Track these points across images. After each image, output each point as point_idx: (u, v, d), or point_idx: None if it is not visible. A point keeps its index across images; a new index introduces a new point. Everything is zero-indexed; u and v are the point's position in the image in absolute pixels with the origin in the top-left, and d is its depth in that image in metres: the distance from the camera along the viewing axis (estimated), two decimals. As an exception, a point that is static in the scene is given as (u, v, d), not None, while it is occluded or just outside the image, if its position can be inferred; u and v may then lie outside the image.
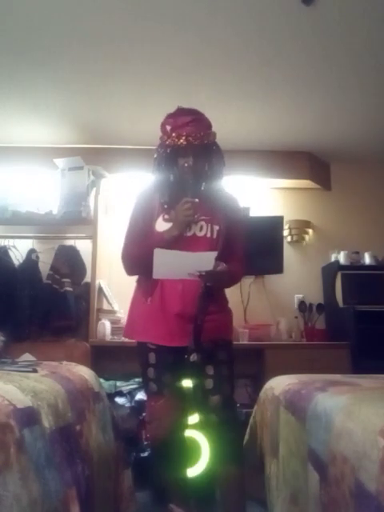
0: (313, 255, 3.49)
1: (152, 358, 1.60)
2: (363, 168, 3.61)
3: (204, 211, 1.63)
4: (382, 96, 2.72)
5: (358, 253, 3.21)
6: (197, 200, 1.55)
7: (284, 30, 2.16)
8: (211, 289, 1.58)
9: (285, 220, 3.34)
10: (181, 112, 1.64)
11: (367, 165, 3.60)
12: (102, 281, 3.03)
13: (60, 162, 3.11)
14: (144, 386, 1.67)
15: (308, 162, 3.46)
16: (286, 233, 3.43)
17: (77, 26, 2.16)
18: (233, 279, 1.70)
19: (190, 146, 1.59)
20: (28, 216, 3.05)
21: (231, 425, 1.55)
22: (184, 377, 1.61)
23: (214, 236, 1.63)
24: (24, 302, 2.86)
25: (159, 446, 1.61)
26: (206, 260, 1.48)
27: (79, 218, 3.00)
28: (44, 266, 3.05)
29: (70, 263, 3.02)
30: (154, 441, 1.62)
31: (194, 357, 1.51)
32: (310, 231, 3.51)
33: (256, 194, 3.45)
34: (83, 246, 3.11)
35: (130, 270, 1.72)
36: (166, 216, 1.62)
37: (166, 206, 1.63)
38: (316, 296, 3.35)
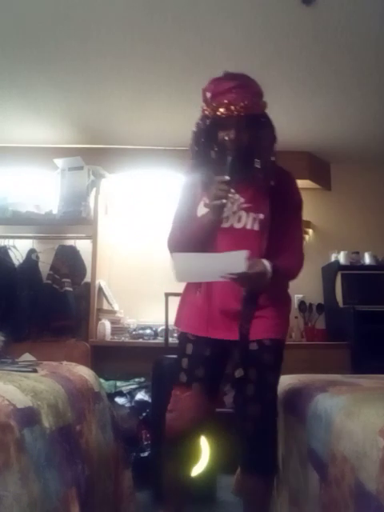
0: (313, 255, 3.48)
1: (189, 348, 1.45)
2: (363, 168, 3.61)
3: (246, 198, 1.42)
4: (382, 96, 2.72)
5: (358, 253, 3.21)
6: (228, 177, 1.32)
7: (284, 30, 2.16)
8: (254, 293, 1.40)
9: (285, 220, 3.34)
10: (225, 76, 1.43)
11: (367, 165, 3.60)
12: (101, 281, 3.03)
13: (60, 162, 3.11)
14: (175, 374, 1.48)
15: (308, 162, 3.46)
16: (285, 233, 3.43)
17: (77, 26, 2.15)
18: (285, 276, 1.45)
19: (232, 117, 1.35)
20: (28, 216, 3.05)
21: (269, 437, 1.37)
22: (219, 377, 1.49)
23: (257, 227, 1.42)
24: (24, 302, 2.87)
25: (172, 439, 1.43)
26: (235, 260, 1.26)
27: (79, 218, 3.01)
28: (44, 266, 3.05)
29: (69, 263, 3.02)
30: (169, 432, 1.42)
31: (239, 372, 1.37)
32: (310, 231, 3.51)
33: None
34: (83, 246, 3.11)
35: None
36: (207, 200, 1.42)
37: (204, 186, 1.43)
38: (316, 296, 3.35)
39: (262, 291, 1.41)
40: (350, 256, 3.19)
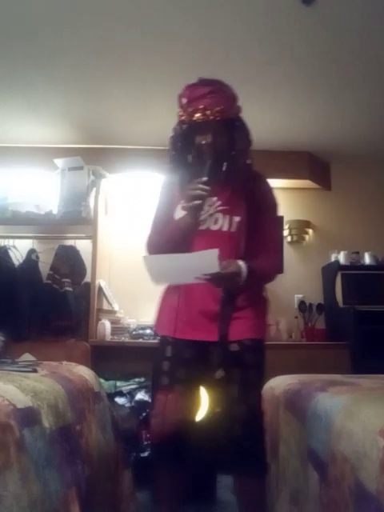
0: (313, 255, 3.49)
1: (169, 351, 1.46)
2: (363, 168, 3.61)
3: (224, 199, 1.45)
4: (382, 96, 2.72)
5: (358, 253, 3.21)
6: (205, 178, 1.35)
7: (284, 29, 2.16)
8: (231, 294, 1.41)
9: (285, 220, 3.34)
10: (200, 82, 1.45)
11: (367, 165, 3.60)
12: (102, 281, 3.03)
13: (60, 162, 3.11)
14: (155, 382, 1.50)
15: (308, 162, 3.46)
16: (285, 233, 3.43)
17: (77, 26, 2.15)
18: (261, 277, 1.46)
19: (208, 122, 1.38)
20: (28, 216, 3.04)
21: (257, 438, 1.36)
22: (201, 379, 1.47)
23: (233, 229, 1.44)
24: (24, 302, 2.86)
25: (159, 444, 1.44)
26: (207, 260, 1.27)
27: (79, 218, 3.00)
28: (44, 266, 3.05)
29: (70, 263, 3.02)
30: (155, 438, 1.44)
31: (219, 374, 1.37)
32: (310, 231, 3.51)
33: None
34: (83, 246, 3.11)
35: None
36: (184, 203, 1.43)
37: (180, 189, 1.46)
38: (316, 296, 3.35)
39: (238, 292, 1.43)
40: (350, 256, 3.19)
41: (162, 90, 2.68)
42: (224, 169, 1.44)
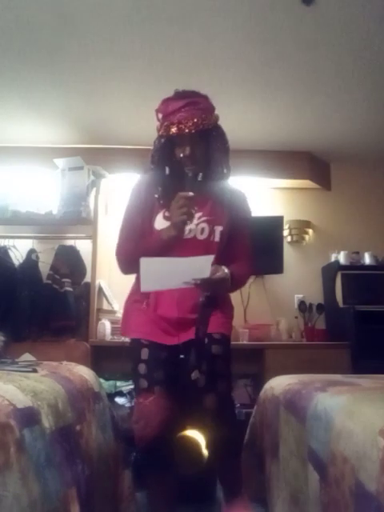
0: (313, 255, 3.49)
1: (144, 353, 1.47)
2: (363, 168, 3.61)
3: (206, 210, 1.50)
4: (382, 96, 2.72)
5: (358, 253, 3.21)
6: (191, 194, 1.37)
7: (284, 29, 2.16)
8: (212, 297, 1.45)
9: (285, 220, 3.34)
10: (174, 96, 1.50)
11: (367, 165, 3.60)
12: (102, 281, 3.03)
13: (60, 162, 3.11)
14: (134, 385, 1.52)
15: (308, 162, 3.46)
16: (286, 233, 3.43)
17: (77, 26, 2.15)
18: (237, 282, 1.54)
19: (184, 135, 1.43)
20: (28, 216, 3.05)
21: (228, 426, 1.44)
22: (177, 378, 1.49)
23: (217, 239, 1.50)
24: (24, 302, 2.86)
25: (145, 449, 1.45)
26: (201, 265, 1.32)
27: (79, 218, 3.00)
28: (44, 266, 3.05)
29: (69, 263, 3.02)
30: (140, 442, 1.44)
31: (195, 374, 1.39)
32: (310, 231, 3.51)
33: (256, 193, 3.45)
34: (83, 246, 3.11)
35: (125, 269, 1.58)
36: (167, 213, 1.46)
37: (161, 202, 1.48)
38: (316, 296, 3.35)
39: (221, 294, 1.52)
40: (350, 256, 3.19)
41: (162, 91, 2.65)
42: (200, 179, 1.47)
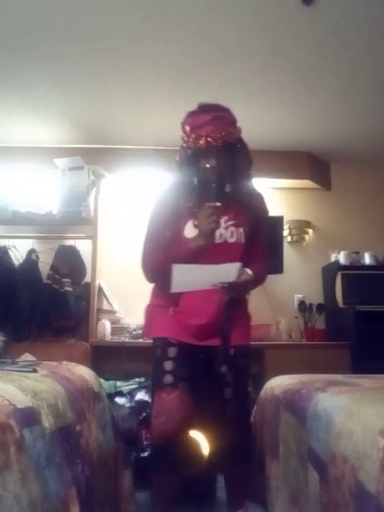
0: (313, 255, 3.48)
1: (172, 351, 1.53)
2: (363, 168, 3.61)
3: (231, 214, 1.57)
4: (382, 96, 2.72)
5: (358, 253, 3.21)
6: (219, 204, 1.45)
7: (284, 29, 2.16)
8: (235, 299, 1.56)
9: (285, 220, 3.34)
10: (201, 110, 1.55)
11: (367, 165, 3.60)
12: (101, 281, 3.03)
13: (60, 162, 3.11)
14: (156, 380, 1.54)
15: (308, 162, 3.45)
16: (285, 233, 3.43)
17: (77, 26, 2.15)
18: (257, 281, 1.63)
19: (211, 147, 1.50)
20: (28, 216, 3.04)
21: (245, 433, 1.57)
22: (200, 380, 1.57)
23: (243, 240, 1.58)
24: (24, 302, 2.86)
25: (162, 444, 1.47)
26: (229, 271, 1.43)
27: (79, 218, 3.00)
28: (44, 266, 3.05)
29: (69, 263, 3.02)
30: (158, 437, 1.47)
31: (224, 368, 1.51)
32: (310, 231, 3.51)
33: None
34: (83, 246, 3.11)
35: (152, 278, 1.64)
36: (196, 222, 1.53)
37: (196, 210, 1.53)
38: (316, 296, 3.35)
39: (242, 296, 1.64)
40: (350, 256, 3.18)
41: (162, 91, 2.68)
42: (227, 190, 1.54)
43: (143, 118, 2.97)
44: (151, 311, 1.66)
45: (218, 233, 1.53)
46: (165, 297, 1.58)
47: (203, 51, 2.33)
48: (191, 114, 1.55)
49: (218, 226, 1.49)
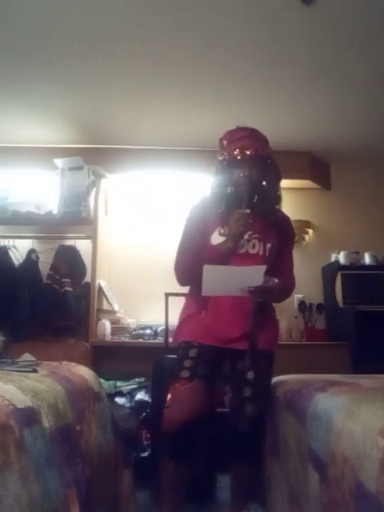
0: (313, 255, 3.48)
1: (193, 352, 1.59)
2: (363, 168, 3.61)
3: (257, 228, 1.65)
4: (382, 96, 2.72)
5: (357, 253, 3.21)
6: (248, 211, 1.57)
7: (284, 29, 2.16)
8: (263, 305, 1.63)
9: (285, 220, 3.34)
10: (238, 128, 1.70)
11: (367, 165, 3.60)
12: (102, 281, 3.03)
13: (60, 162, 3.11)
14: (175, 376, 1.58)
15: (308, 162, 3.46)
16: (285, 233, 3.43)
17: (77, 26, 2.16)
18: (285, 293, 1.74)
19: (246, 158, 1.63)
20: (28, 216, 3.05)
21: (261, 435, 1.58)
22: (217, 379, 1.63)
23: (267, 254, 1.66)
24: (24, 302, 2.87)
25: (171, 434, 1.48)
26: (255, 274, 1.49)
27: (79, 218, 3.01)
28: (44, 266, 3.05)
29: (70, 263, 3.02)
30: (169, 426, 1.48)
31: (250, 375, 1.56)
32: (310, 231, 3.51)
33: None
34: (83, 246, 3.11)
35: (184, 281, 1.73)
36: (222, 230, 1.64)
37: (223, 216, 1.64)
38: (316, 296, 3.35)
39: (270, 302, 1.72)
40: (350, 256, 3.19)
41: (162, 91, 2.68)
42: (255, 200, 1.64)
43: (143, 117, 2.97)
44: (182, 320, 1.74)
45: (240, 244, 1.62)
46: (197, 303, 1.67)
47: (203, 51, 2.33)
48: (229, 131, 1.71)
49: (246, 231, 1.60)
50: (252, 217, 1.59)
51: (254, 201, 1.64)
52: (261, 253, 1.66)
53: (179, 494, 1.57)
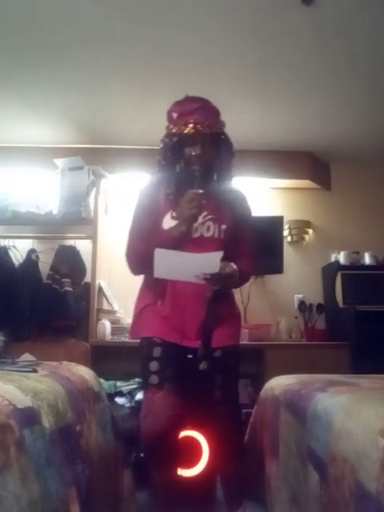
0: (313, 255, 3.49)
1: (157, 351, 1.52)
2: (363, 168, 3.61)
3: (211, 209, 1.54)
4: (382, 96, 2.72)
5: (358, 253, 3.21)
6: (201, 191, 1.44)
7: (284, 30, 2.16)
8: (220, 292, 1.53)
9: (285, 220, 3.34)
10: (188, 99, 1.57)
11: (367, 165, 3.60)
12: (102, 281, 3.03)
13: (60, 162, 3.11)
14: (143, 381, 1.56)
15: (308, 162, 3.45)
16: (286, 233, 3.43)
17: (77, 26, 2.15)
18: (242, 279, 1.61)
19: (198, 135, 1.50)
20: (28, 216, 3.04)
21: (237, 432, 1.60)
22: (188, 380, 1.55)
23: (222, 236, 1.56)
24: (24, 302, 2.86)
25: (152, 444, 1.48)
26: (211, 261, 1.40)
27: (79, 218, 3.00)
28: (44, 266, 3.05)
29: (70, 263, 3.02)
30: (147, 437, 1.47)
31: (203, 365, 1.47)
32: (310, 231, 3.51)
33: (256, 194, 3.45)
34: (83, 246, 3.11)
35: (136, 269, 1.63)
36: (174, 213, 1.52)
37: (171, 198, 1.53)
38: (316, 296, 3.35)
39: (227, 289, 1.61)
40: (350, 256, 3.18)
41: (162, 90, 2.67)
42: (210, 179, 1.55)
43: (143, 117, 2.97)
44: (137, 311, 1.67)
45: (194, 226, 1.51)
46: (152, 293, 1.60)
47: (202, 51, 2.33)
48: (178, 103, 1.57)
49: (199, 213, 1.47)
50: (205, 197, 1.47)
51: (214, 178, 1.54)
52: (216, 235, 1.55)
53: (170, 499, 1.55)
